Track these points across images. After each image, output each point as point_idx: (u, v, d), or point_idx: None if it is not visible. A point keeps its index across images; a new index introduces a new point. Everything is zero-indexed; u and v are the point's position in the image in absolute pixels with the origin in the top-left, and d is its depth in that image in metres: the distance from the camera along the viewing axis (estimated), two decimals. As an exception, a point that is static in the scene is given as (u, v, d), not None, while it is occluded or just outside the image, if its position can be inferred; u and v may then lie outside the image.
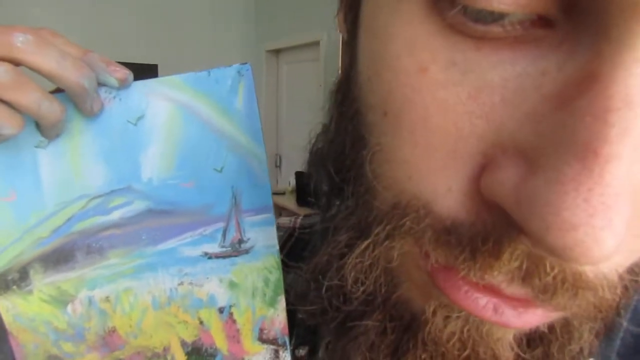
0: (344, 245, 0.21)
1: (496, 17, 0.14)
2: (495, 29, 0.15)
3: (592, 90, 0.13)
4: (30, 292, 0.27)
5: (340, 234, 0.21)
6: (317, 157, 0.26)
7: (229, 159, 0.27)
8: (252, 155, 0.27)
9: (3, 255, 0.26)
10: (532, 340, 0.21)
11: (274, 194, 2.71)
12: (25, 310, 0.27)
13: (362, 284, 0.20)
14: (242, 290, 0.27)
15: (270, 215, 0.27)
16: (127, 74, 0.26)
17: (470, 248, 0.17)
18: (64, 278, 0.27)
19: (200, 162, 0.27)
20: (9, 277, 0.27)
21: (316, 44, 2.79)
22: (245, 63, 0.26)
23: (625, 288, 0.18)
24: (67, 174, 0.26)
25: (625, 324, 0.26)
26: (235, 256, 0.27)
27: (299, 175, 2.69)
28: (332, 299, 0.22)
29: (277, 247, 0.27)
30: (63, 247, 0.27)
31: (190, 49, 3.24)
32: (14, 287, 0.27)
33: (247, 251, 0.27)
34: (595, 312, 0.18)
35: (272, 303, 0.27)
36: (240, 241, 0.27)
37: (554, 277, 0.16)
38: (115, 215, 0.27)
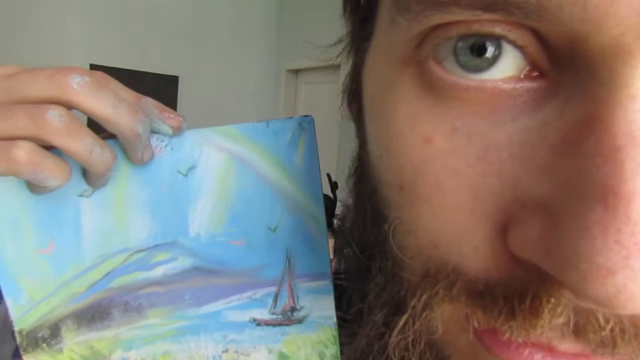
0: (381, 324, 0.20)
1: (490, 61, 0.15)
2: (489, 85, 0.15)
3: (595, 133, 0.13)
4: (60, 350, 0.25)
5: (375, 313, 0.21)
6: (343, 236, 0.26)
7: (284, 217, 0.24)
8: (309, 216, 0.24)
9: (35, 310, 0.24)
10: None
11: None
12: None
13: None
14: None
15: (327, 283, 0.24)
16: (181, 121, 0.24)
17: (508, 308, 0.16)
18: (98, 337, 0.25)
19: (253, 219, 0.24)
20: (39, 334, 0.25)
21: (337, 67, 2.80)
22: (308, 115, 0.25)
23: None
24: (110, 225, 0.24)
25: None
26: (287, 325, 0.25)
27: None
28: None
29: (335, 319, 0.25)
30: (99, 303, 0.25)
31: (211, 63, 3.27)
32: (44, 344, 0.25)
33: (300, 321, 0.25)
34: None
35: None
36: (293, 309, 0.25)
37: (612, 330, 0.15)
38: (158, 272, 0.25)
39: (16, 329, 0.24)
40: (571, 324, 0.15)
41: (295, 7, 3.33)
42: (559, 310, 0.15)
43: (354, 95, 0.24)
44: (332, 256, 0.27)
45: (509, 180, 0.16)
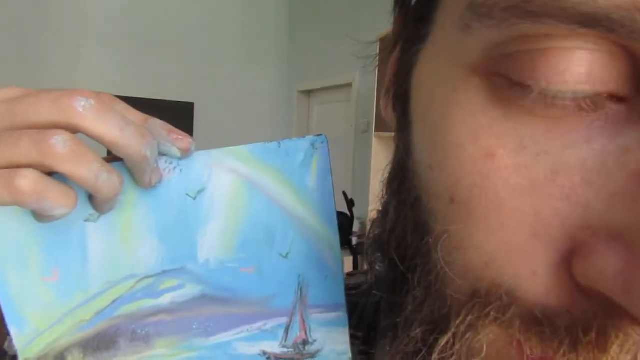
0: (419, 340, 0.19)
1: (570, 97, 0.14)
2: (566, 105, 0.15)
3: None
4: None
5: (412, 328, 0.19)
6: (376, 244, 0.25)
7: (296, 243, 0.23)
8: (323, 242, 0.23)
9: (40, 339, 0.23)
10: None
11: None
12: None
13: None
14: None
15: (342, 315, 0.23)
16: (190, 143, 0.23)
17: (570, 340, 0.15)
18: None
19: (264, 245, 0.23)
20: None
21: (348, 85, 2.82)
22: (321, 134, 0.24)
23: None
24: (117, 251, 0.24)
25: None
26: (299, 359, 0.23)
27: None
28: None
29: (349, 355, 0.23)
30: (106, 332, 0.24)
31: (225, 88, 3.33)
32: None
33: (312, 355, 0.23)
34: None
35: None
36: (305, 342, 0.23)
37: None
38: (166, 299, 0.24)
39: (21, 359, 0.24)
40: None
41: (305, 30, 3.38)
42: (627, 346, 0.15)
43: (400, 97, 0.23)
44: (352, 270, 0.25)
45: (579, 206, 0.15)
